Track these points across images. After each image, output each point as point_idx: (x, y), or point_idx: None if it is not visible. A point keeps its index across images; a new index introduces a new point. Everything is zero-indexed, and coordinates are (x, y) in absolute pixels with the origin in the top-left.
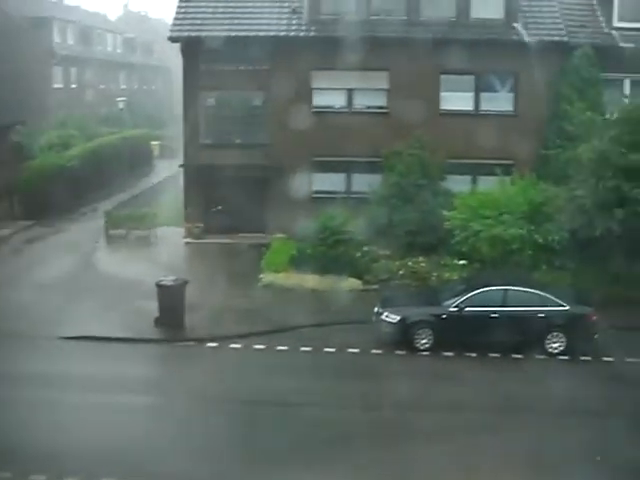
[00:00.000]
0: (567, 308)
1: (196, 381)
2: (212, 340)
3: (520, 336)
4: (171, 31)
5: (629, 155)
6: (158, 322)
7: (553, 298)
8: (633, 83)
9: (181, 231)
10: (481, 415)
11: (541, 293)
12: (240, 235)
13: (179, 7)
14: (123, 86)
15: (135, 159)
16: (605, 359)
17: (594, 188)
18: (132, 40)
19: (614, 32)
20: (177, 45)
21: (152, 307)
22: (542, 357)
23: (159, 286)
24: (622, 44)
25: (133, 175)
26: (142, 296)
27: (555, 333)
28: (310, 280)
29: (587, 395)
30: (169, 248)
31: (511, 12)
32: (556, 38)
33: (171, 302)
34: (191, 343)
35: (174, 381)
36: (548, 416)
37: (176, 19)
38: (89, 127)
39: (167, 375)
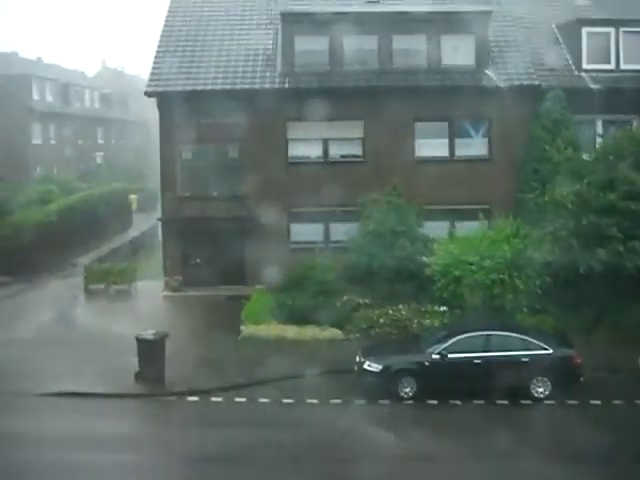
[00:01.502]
0: (551, 351)
1: (176, 437)
2: (193, 394)
3: (504, 381)
4: (147, 86)
5: (606, 195)
6: (138, 376)
7: (536, 342)
8: (605, 123)
9: (160, 284)
10: (466, 464)
11: (524, 337)
12: (219, 287)
13: (155, 62)
14: (101, 141)
15: (113, 213)
16: (592, 402)
17: (575, 228)
18: (109, 95)
19: (584, 74)
20: (154, 99)
21: (132, 361)
22: (528, 402)
23: (139, 340)
24: (592, 86)
25: (112, 229)
26: (122, 350)
27: (540, 377)
28: (290, 331)
29: (575, 440)
30: (149, 302)
31: (482, 58)
32: (527, 82)
33: (151, 356)
34: (172, 397)
35: (154, 438)
36: (535, 462)
37: (152, 74)
38: (68, 182)
39: (147, 432)
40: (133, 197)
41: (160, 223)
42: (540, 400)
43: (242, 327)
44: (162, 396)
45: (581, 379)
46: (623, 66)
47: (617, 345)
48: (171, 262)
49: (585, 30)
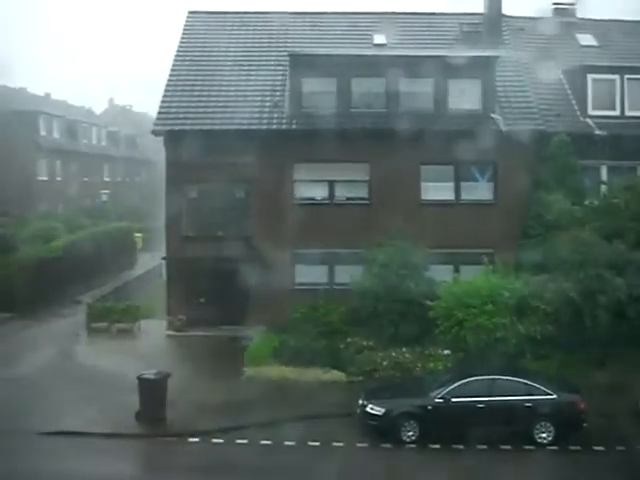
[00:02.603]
0: (554, 397)
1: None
2: (194, 435)
3: (508, 426)
4: (155, 125)
5: (611, 244)
6: (139, 416)
7: (540, 387)
8: (610, 169)
9: (164, 324)
10: None
11: (528, 382)
12: (223, 327)
13: (163, 101)
14: (107, 178)
15: (118, 251)
16: (595, 448)
17: (578, 278)
18: (116, 133)
19: (589, 120)
20: (161, 138)
21: (133, 401)
22: (531, 447)
23: (140, 380)
24: (597, 132)
25: (116, 267)
26: (123, 390)
27: (543, 423)
28: (293, 372)
29: None
30: (151, 341)
31: (488, 103)
32: (533, 127)
33: (152, 396)
34: (172, 438)
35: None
36: None
37: (160, 113)
38: (72, 219)
39: (145, 473)
40: (138, 236)
41: (164, 262)
42: (543, 446)
43: (244, 368)
44: (162, 436)
45: (584, 424)
46: (628, 112)
47: (620, 390)
48: (175, 301)
49: (590, 77)
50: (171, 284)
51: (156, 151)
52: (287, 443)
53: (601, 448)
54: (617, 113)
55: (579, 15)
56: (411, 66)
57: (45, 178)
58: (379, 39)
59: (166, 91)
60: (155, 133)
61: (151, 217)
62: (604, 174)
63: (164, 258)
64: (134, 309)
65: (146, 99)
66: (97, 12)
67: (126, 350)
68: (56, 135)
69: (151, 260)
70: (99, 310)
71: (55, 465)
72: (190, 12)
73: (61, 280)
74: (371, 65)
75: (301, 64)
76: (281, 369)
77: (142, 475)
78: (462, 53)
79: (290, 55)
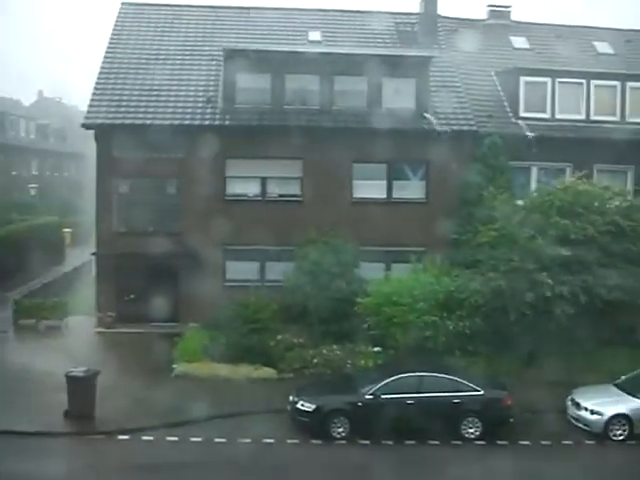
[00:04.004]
0: (482, 393)
1: (103, 477)
2: (123, 433)
3: (436, 422)
4: (85, 118)
5: (535, 238)
6: (68, 414)
7: (468, 383)
8: (540, 170)
9: (93, 320)
10: None
11: (456, 378)
12: (153, 324)
13: (94, 94)
14: (35, 172)
15: (46, 247)
16: (521, 443)
17: (504, 273)
18: (46, 126)
19: (520, 122)
20: (91, 132)
21: (62, 399)
22: (458, 443)
23: (69, 377)
24: (528, 133)
25: (44, 263)
26: (51, 388)
27: (470, 418)
28: (224, 369)
29: None
30: (80, 338)
31: (422, 102)
32: (465, 127)
33: (81, 394)
34: (101, 436)
35: (80, 477)
36: None
37: (91, 106)
38: None
39: (74, 471)
40: (67, 231)
41: (94, 258)
42: (471, 440)
43: (175, 365)
44: (92, 434)
45: (511, 420)
46: (558, 115)
47: (547, 386)
48: (104, 298)
49: (523, 79)
50: (100, 280)
51: (87, 145)
52: (218, 440)
53: (527, 443)
54: (548, 116)
55: (513, 18)
56: (346, 64)
57: None
58: (314, 36)
59: (97, 84)
60: (86, 126)
61: (81, 212)
62: (534, 175)
63: (94, 254)
64: (62, 305)
65: (76, 92)
66: (26, 1)
67: (54, 347)
68: None
69: (80, 256)
70: (26, 306)
71: None
72: (123, 3)
73: None
74: (305, 62)
75: (235, 59)
76: (212, 366)
77: (70, 473)
78: (397, 52)
79: (224, 50)
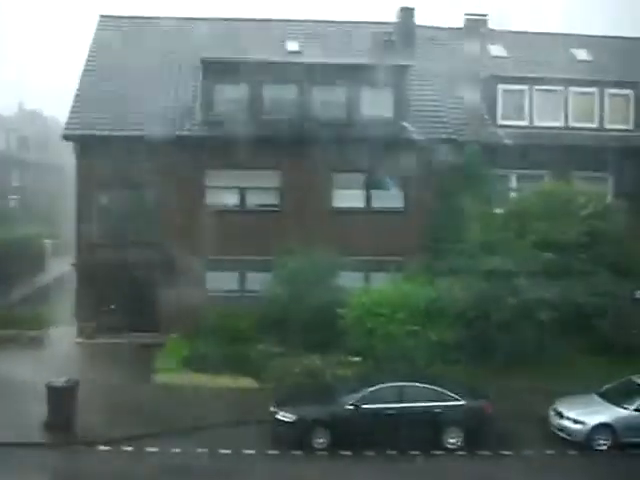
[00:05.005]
0: (463, 402)
1: None
2: (104, 443)
3: (417, 432)
4: (65, 129)
5: (515, 243)
6: (48, 425)
7: (449, 393)
8: (519, 177)
9: (74, 331)
10: None
11: (437, 388)
12: (134, 334)
13: (73, 106)
14: (16, 183)
15: (27, 258)
16: (503, 452)
17: (485, 276)
18: (26, 138)
19: (499, 130)
20: (71, 143)
21: (42, 410)
22: (439, 453)
23: (49, 387)
24: (506, 141)
25: (25, 274)
26: (31, 398)
27: (452, 428)
28: (205, 380)
29: None
30: (61, 349)
31: (400, 111)
32: (444, 136)
33: (61, 404)
34: (81, 447)
35: None
36: None
37: (70, 118)
38: None
39: None
40: (48, 242)
41: (75, 268)
42: (452, 450)
43: (156, 376)
44: (71, 445)
45: (493, 429)
46: (536, 123)
47: (529, 394)
48: (85, 308)
49: (500, 87)
50: (81, 291)
51: (67, 156)
52: (198, 450)
53: (509, 452)
54: (526, 123)
55: (490, 26)
56: (324, 74)
57: None
58: (292, 46)
59: (77, 96)
60: (66, 138)
61: (62, 223)
62: (513, 182)
63: (74, 264)
64: (43, 316)
65: (55, 103)
66: (7, 12)
67: (35, 358)
68: None
69: (61, 266)
70: (7, 318)
71: None
72: (102, 16)
73: None
74: (284, 72)
75: (213, 70)
76: (192, 376)
77: None
78: (374, 62)
79: (202, 60)
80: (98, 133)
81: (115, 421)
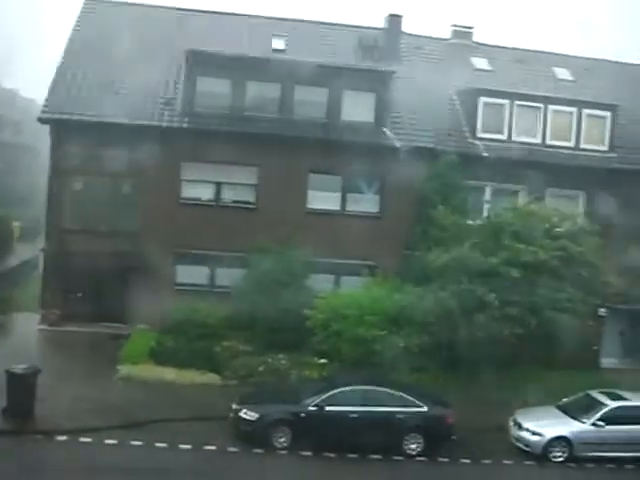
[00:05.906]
0: (425, 409)
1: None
2: (62, 433)
3: (379, 436)
4: (42, 112)
5: (487, 260)
6: (6, 412)
7: (411, 399)
8: (494, 191)
9: (37, 317)
10: None
11: (400, 394)
12: (100, 324)
13: (51, 89)
14: None
15: None
16: (462, 461)
17: (454, 291)
18: (1, 117)
19: (477, 142)
20: (47, 126)
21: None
22: (400, 458)
23: (9, 374)
24: (484, 153)
25: None
26: None
27: (413, 434)
28: (169, 373)
29: None
30: (22, 335)
31: (381, 117)
32: (422, 144)
33: (21, 391)
34: (39, 436)
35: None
36: None
37: (47, 101)
38: None
39: (8, 471)
40: (17, 224)
41: (42, 253)
42: (412, 457)
43: (119, 367)
44: (29, 433)
45: (453, 437)
46: (515, 137)
47: (491, 405)
48: (50, 295)
49: (482, 99)
50: (47, 276)
51: (43, 139)
52: (158, 445)
53: (467, 461)
54: (505, 137)
55: (475, 39)
56: (307, 74)
57: None
58: (278, 44)
59: (55, 78)
60: (42, 121)
61: (32, 206)
62: (488, 195)
63: (42, 249)
64: (6, 301)
65: (33, 85)
66: None
67: None
68: None
69: (30, 250)
70: None
71: None
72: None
73: None
74: (267, 69)
75: (198, 62)
76: (157, 369)
77: (3, 473)
78: (359, 65)
79: (187, 52)
80: (75, 118)
81: (76, 411)
